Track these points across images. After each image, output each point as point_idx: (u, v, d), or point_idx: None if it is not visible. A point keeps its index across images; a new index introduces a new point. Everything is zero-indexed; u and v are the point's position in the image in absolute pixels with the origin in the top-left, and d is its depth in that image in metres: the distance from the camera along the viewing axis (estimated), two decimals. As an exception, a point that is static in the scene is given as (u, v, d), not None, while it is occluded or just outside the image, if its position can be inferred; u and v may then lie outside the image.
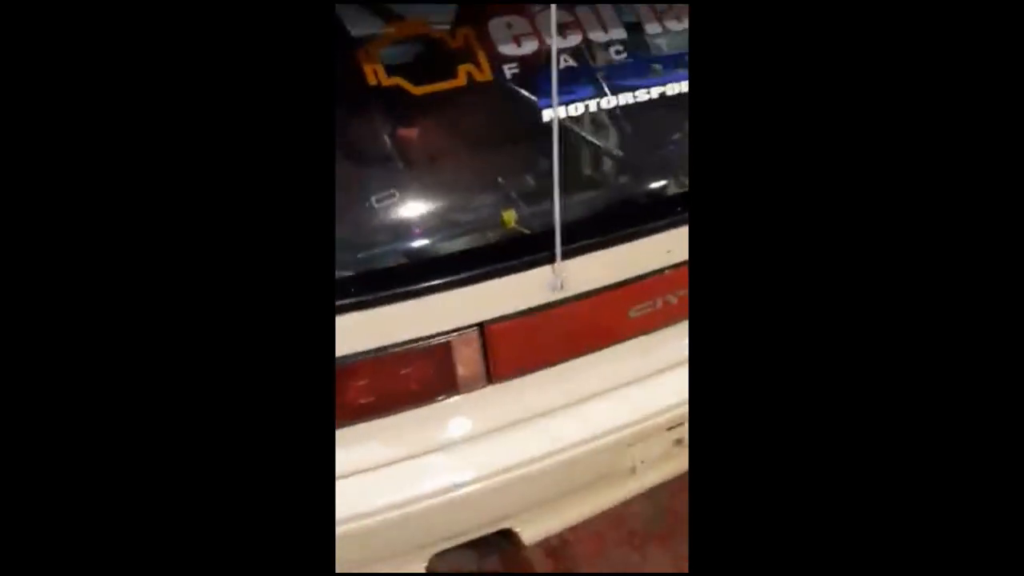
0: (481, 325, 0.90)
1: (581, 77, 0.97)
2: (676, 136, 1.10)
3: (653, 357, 1.05)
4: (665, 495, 1.42)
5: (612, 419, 0.99)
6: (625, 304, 0.98)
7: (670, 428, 1.08)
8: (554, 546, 1.38)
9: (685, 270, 0.98)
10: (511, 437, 0.96)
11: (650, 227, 0.95)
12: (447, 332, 0.89)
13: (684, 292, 1.01)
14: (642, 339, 1.03)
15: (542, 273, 0.89)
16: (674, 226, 0.96)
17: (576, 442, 0.97)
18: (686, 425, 1.08)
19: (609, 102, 0.97)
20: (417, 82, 0.90)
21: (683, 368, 1.04)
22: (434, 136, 0.99)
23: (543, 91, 0.90)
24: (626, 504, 1.27)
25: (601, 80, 0.98)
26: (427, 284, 0.85)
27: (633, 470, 1.10)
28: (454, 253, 0.90)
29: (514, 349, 0.94)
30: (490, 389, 0.95)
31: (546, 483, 0.99)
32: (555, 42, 0.80)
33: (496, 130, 1.01)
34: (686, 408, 1.03)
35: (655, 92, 0.99)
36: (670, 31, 1.04)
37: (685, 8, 1.05)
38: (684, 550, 1.32)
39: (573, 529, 1.30)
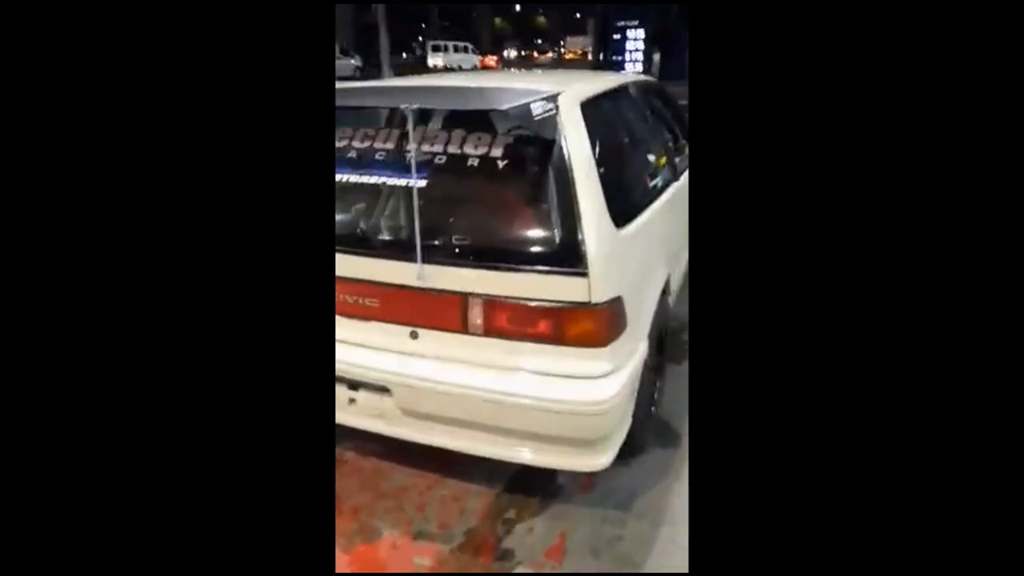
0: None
1: (410, 168, 1.78)
2: (435, 196, 1.77)
3: (356, 333, 1.79)
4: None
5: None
6: (343, 293, 1.76)
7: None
8: (383, 451, 2.15)
9: (393, 290, 1.70)
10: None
11: (375, 252, 1.74)
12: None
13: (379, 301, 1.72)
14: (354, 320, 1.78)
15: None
16: (395, 260, 1.69)
17: None
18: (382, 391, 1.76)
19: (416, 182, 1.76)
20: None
21: (356, 347, 1.76)
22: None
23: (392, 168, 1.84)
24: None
25: (415, 170, 1.77)
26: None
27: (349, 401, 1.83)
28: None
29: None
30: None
31: None
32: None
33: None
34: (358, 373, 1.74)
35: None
36: (467, 153, 1.74)
37: (485, 139, 1.73)
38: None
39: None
